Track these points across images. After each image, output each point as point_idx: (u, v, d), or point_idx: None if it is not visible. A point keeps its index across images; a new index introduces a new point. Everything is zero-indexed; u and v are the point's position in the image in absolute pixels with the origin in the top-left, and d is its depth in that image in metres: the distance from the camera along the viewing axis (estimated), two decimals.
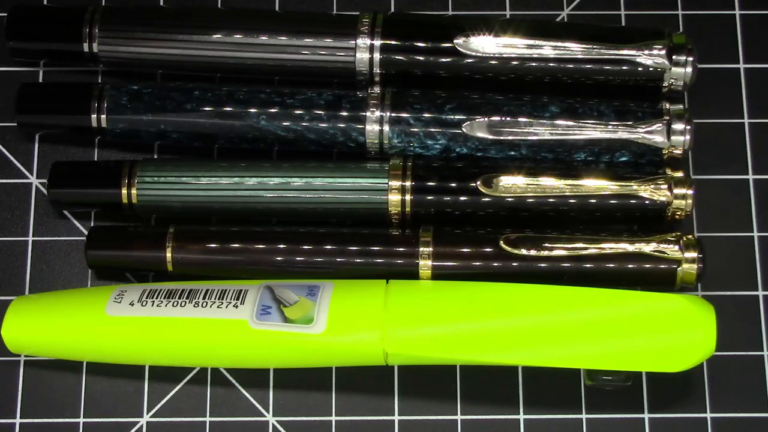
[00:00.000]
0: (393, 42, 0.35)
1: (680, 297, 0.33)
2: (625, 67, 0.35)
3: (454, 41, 0.35)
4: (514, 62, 0.35)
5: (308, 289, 0.34)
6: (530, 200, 0.34)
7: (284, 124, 0.35)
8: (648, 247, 0.34)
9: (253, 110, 0.35)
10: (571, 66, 0.35)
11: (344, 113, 0.35)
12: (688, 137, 0.34)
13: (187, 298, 0.33)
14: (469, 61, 0.35)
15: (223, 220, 0.36)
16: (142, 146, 0.37)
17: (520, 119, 0.35)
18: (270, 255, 0.35)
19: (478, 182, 0.34)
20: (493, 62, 0.35)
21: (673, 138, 0.34)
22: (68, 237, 0.37)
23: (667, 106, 0.35)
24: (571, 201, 0.34)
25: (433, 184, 0.34)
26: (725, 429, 0.35)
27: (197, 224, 0.36)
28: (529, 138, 0.35)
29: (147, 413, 0.35)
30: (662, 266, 0.34)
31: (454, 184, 0.34)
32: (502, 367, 0.35)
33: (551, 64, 0.35)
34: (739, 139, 0.38)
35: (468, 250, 0.34)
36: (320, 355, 0.33)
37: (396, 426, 0.35)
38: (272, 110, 0.35)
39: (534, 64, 0.35)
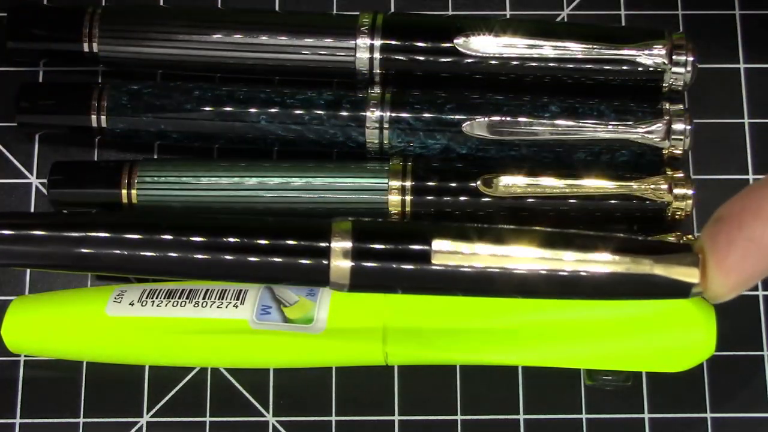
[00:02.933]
0: (393, 42, 0.35)
1: None
2: (625, 67, 0.35)
3: (454, 41, 0.35)
4: (514, 62, 0.35)
5: (308, 288, 0.34)
6: (530, 200, 0.34)
7: (284, 124, 0.35)
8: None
9: (253, 110, 0.35)
10: (571, 66, 0.35)
11: (344, 113, 0.35)
12: (688, 137, 0.34)
13: (187, 298, 0.33)
14: (469, 61, 0.35)
15: None
16: (142, 146, 0.37)
17: (520, 119, 0.35)
18: None
19: (478, 182, 0.34)
20: (493, 62, 0.35)
21: (673, 138, 0.34)
22: None
23: (667, 105, 0.35)
24: (571, 201, 0.34)
25: (433, 184, 0.34)
26: (725, 429, 0.35)
27: None
28: (529, 138, 0.35)
29: (147, 413, 0.35)
30: None
31: (454, 184, 0.34)
32: (502, 367, 0.35)
33: (551, 64, 0.35)
34: (740, 139, 0.38)
35: None
36: (320, 355, 0.33)
37: (396, 426, 0.35)
38: (272, 110, 0.35)
39: (534, 64, 0.35)
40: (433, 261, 0.26)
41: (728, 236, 0.27)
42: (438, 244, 0.26)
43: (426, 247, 0.26)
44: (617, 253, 0.27)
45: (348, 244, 0.26)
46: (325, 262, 0.26)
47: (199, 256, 0.26)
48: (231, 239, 0.26)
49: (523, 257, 0.26)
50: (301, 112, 0.35)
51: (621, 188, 0.34)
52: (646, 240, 0.29)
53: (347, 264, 0.26)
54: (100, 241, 0.27)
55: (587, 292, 0.28)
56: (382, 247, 0.26)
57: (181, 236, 0.26)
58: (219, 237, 0.26)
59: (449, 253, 0.26)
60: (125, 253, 0.26)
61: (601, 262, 0.27)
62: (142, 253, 0.26)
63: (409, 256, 0.27)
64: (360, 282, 0.27)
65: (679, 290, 0.28)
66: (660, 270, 0.27)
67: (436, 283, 0.27)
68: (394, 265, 0.27)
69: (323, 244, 0.26)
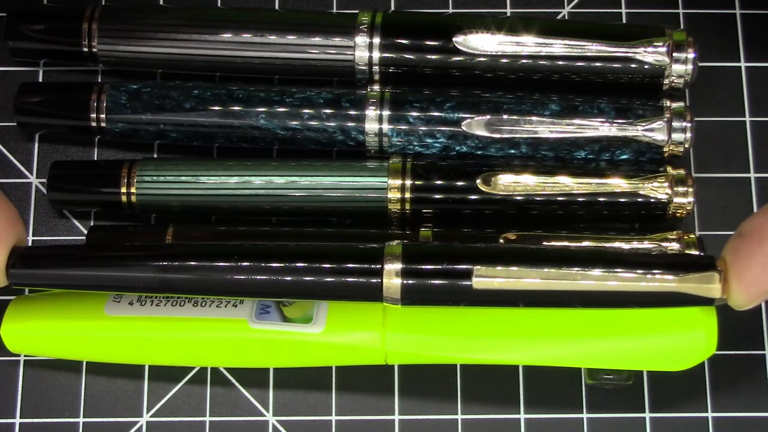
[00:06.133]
0: (392, 40, 0.35)
1: None
2: (625, 65, 0.35)
3: (454, 39, 0.35)
4: (514, 60, 0.35)
5: None
6: (530, 198, 0.34)
7: (283, 122, 0.35)
8: (648, 246, 0.33)
9: (252, 109, 0.35)
10: (571, 63, 0.35)
11: (344, 112, 0.35)
12: (688, 135, 0.34)
13: (186, 297, 0.33)
14: (469, 59, 0.35)
15: (222, 219, 0.36)
16: (141, 146, 0.37)
17: (519, 117, 0.34)
18: None
19: (478, 181, 0.34)
20: (493, 60, 0.35)
21: (673, 136, 0.34)
22: (68, 237, 0.37)
23: (668, 103, 0.35)
24: (571, 199, 0.34)
25: (433, 182, 0.34)
26: (726, 428, 0.35)
27: (197, 224, 0.36)
28: (529, 136, 0.34)
29: (147, 413, 0.35)
30: None
31: (453, 183, 0.34)
32: (502, 366, 0.35)
33: (552, 62, 0.35)
34: (741, 137, 0.37)
35: None
36: (320, 354, 0.33)
37: (396, 426, 0.35)
38: (271, 109, 0.35)
39: (534, 61, 0.35)
40: (474, 282, 0.30)
41: (748, 251, 0.29)
42: (479, 269, 0.30)
43: (469, 267, 0.30)
44: (644, 270, 0.30)
45: (399, 266, 0.30)
46: (378, 280, 0.30)
47: (282, 278, 0.31)
48: (300, 264, 0.30)
49: (554, 276, 0.30)
50: (300, 110, 0.35)
51: (622, 186, 0.34)
52: (672, 255, 0.32)
53: (398, 282, 0.30)
54: (188, 268, 0.31)
55: (613, 304, 0.30)
56: (428, 267, 0.30)
57: (260, 262, 0.30)
58: (292, 262, 0.30)
59: (489, 276, 0.30)
60: (214, 276, 0.30)
61: (628, 279, 0.30)
62: (227, 277, 0.30)
63: (452, 275, 0.30)
64: (409, 297, 0.30)
65: (703, 302, 0.30)
66: (684, 288, 0.30)
67: (479, 300, 0.30)
68: (440, 283, 0.30)
69: (377, 266, 0.30)
